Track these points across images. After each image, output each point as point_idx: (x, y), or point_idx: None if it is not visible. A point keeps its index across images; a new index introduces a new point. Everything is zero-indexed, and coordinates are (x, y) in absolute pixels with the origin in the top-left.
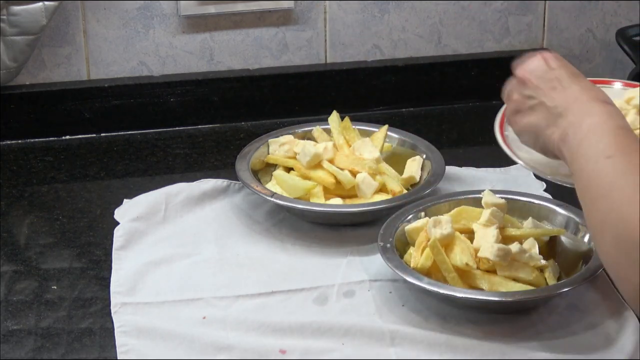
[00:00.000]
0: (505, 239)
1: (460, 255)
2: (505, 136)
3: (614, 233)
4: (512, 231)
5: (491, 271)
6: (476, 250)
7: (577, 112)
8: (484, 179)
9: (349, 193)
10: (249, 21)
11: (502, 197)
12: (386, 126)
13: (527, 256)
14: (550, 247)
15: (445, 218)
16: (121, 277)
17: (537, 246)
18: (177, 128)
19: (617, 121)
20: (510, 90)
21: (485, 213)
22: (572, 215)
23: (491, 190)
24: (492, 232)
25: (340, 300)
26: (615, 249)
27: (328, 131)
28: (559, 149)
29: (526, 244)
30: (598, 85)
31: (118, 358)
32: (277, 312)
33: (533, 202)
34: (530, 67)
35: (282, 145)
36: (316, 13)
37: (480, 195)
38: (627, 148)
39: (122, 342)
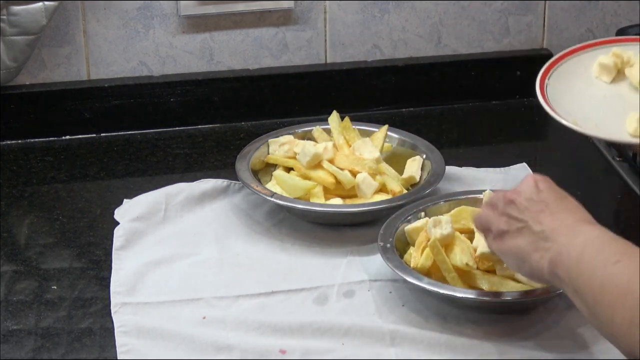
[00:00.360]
0: None
1: (460, 255)
2: (547, 97)
3: None
4: None
5: (491, 271)
6: (476, 250)
7: (566, 234)
8: (484, 179)
9: (349, 193)
10: (249, 21)
11: None
12: (386, 126)
13: None
14: None
15: (445, 218)
16: (121, 277)
17: None
18: (177, 128)
19: (609, 234)
20: (489, 215)
21: None
22: None
23: (492, 190)
24: None
25: (340, 300)
26: None
27: (328, 131)
28: (551, 272)
29: None
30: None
31: (118, 358)
32: (277, 312)
33: None
34: (521, 188)
35: (282, 145)
36: (316, 13)
37: (481, 196)
38: (630, 251)
39: (122, 342)
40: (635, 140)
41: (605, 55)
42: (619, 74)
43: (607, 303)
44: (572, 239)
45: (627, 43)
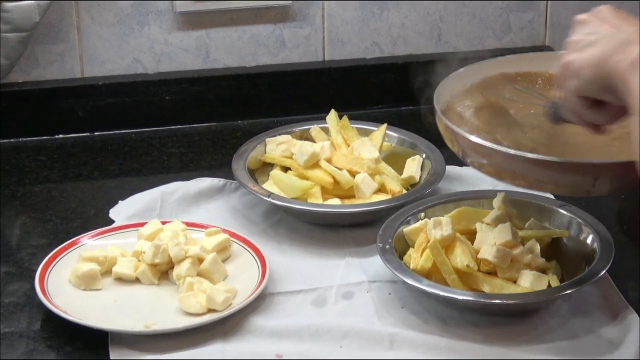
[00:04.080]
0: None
1: (460, 257)
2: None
3: None
4: None
5: (492, 273)
6: (477, 252)
7: None
8: (484, 179)
9: (347, 193)
10: (246, 18)
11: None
12: (385, 125)
13: (529, 258)
14: (552, 248)
15: (445, 219)
16: None
17: (539, 248)
18: (172, 127)
19: None
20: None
21: (494, 213)
22: (574, 216)
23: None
24: (504, 227)
25: (339, 302)
26: None
27: (326, 130)
28: (625, 78)
29: (528, 246)
30: None
31: (111, 358)
32: (274, 315)
33: (535, 203)
34: (595, 10)
35: (279, 145)
36: (314, 10)
37: (482, 196)
38: None
39: (116, 343)
40: None
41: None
42: None
43: None
44: None
45: None
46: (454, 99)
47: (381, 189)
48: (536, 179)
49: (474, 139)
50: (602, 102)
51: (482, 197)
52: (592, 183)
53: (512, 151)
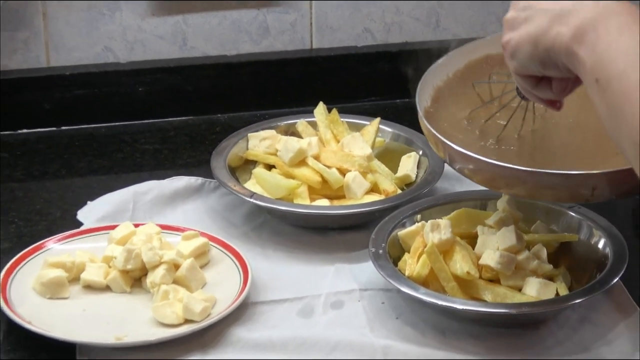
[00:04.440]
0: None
1: (460, 263)
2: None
3: None
4: None
5: (495, 281)
6: (478, 258)
7: (593, 8)
8: None
9: (337, 193)
10: (226, 2)
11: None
12: (378, 119)
13: (535, 264)
14: (560, 253)
15: (444, 222)
16: None
17: (546, 253)
18: (146, 121)
19: None
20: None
21: (497, 214)
22: (585, 219)
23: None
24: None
25: (328, 312)
26: None
27: (314, 125)
28: (569, 51)
29: (534, 251)
30: None
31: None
32: (257, 326)
33: (541, 204)
34: None
35: (262, 140)
36: None
37: (483, 196)
38: None
39: (85, 356)
40: None
41: None
42: None
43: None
44: (603, 15)
45: None
46: (439, 93)
47: (374, 189)
48: (532, 189)
49: (462, 150)
50: (549, 78)
51: (484, 198)
52: (591, 192)
53: (510, 165)
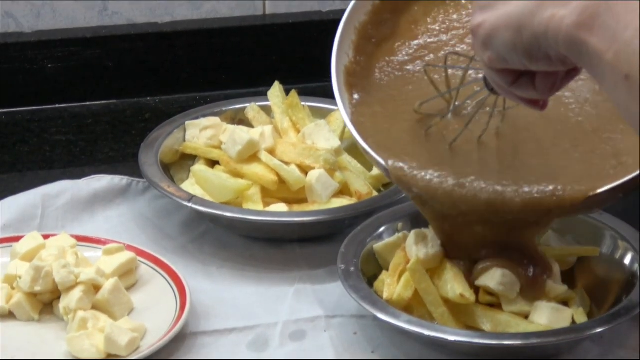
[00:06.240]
0: None
1: (452, 284)
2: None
3: None
4: None
5: (495, 306)
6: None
7: None
8: None
9: (297, 196)
10: None
11: None
12: None
13: (546, 285)
14: (577, 271)
15: (431, 232)
16: None
17: (559, 270)
18: (57, 105)
19: None
20: None
21: None
22: (607, 227)
23: None
24: None
25: (286, 345)
26: None
27: (267, 110)
28: (576, 40)
29: None
30: None
31: None
32: None
33: None
34: None
35: (203, 130)
36: None
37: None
38: None
39: None
40: None
41: None
42: None
43: None
44: None
45: None
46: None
47: (343, 191)
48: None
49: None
50: (532, 72)
51: None
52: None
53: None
